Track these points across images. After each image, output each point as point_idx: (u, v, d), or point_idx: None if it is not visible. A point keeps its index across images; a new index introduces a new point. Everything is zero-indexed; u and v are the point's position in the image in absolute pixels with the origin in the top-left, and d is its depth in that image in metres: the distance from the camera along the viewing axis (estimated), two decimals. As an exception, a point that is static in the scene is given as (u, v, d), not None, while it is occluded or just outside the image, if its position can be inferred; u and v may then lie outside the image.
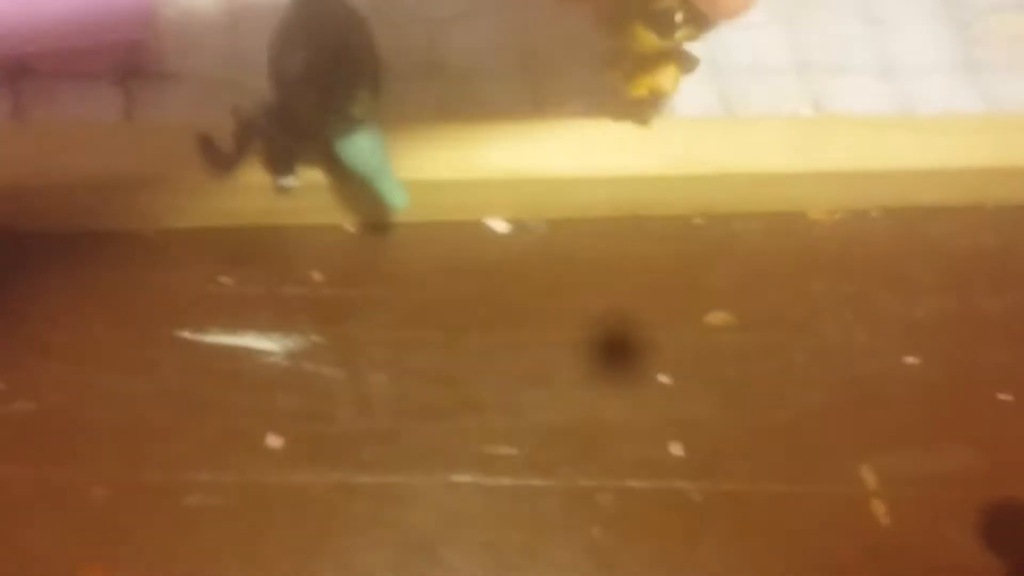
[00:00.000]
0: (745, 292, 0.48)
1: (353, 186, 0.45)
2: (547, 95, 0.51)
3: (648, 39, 0.43)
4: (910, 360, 0.46)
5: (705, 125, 0.50)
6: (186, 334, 0.44)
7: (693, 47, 0.46)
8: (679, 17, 0.43)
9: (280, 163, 0.44)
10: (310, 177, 0.45)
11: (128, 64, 0.48)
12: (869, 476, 0.43)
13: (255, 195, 0.46)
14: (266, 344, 0.44)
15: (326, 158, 0.44)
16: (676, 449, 0.43)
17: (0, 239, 0.44)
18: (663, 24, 0.43)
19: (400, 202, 0.44)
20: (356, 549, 0.40)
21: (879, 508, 0.43)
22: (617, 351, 0.46)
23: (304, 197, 0.46)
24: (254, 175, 0.45)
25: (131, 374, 0.43)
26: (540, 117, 0.50)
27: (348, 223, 0.47)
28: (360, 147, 0.43)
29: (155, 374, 0.43)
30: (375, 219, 0.47)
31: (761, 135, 0.49)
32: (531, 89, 0.51)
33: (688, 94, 0.51)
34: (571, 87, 0.51)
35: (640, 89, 0.46)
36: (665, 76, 0.45)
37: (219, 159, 0.43)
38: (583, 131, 0.49)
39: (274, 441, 0.42)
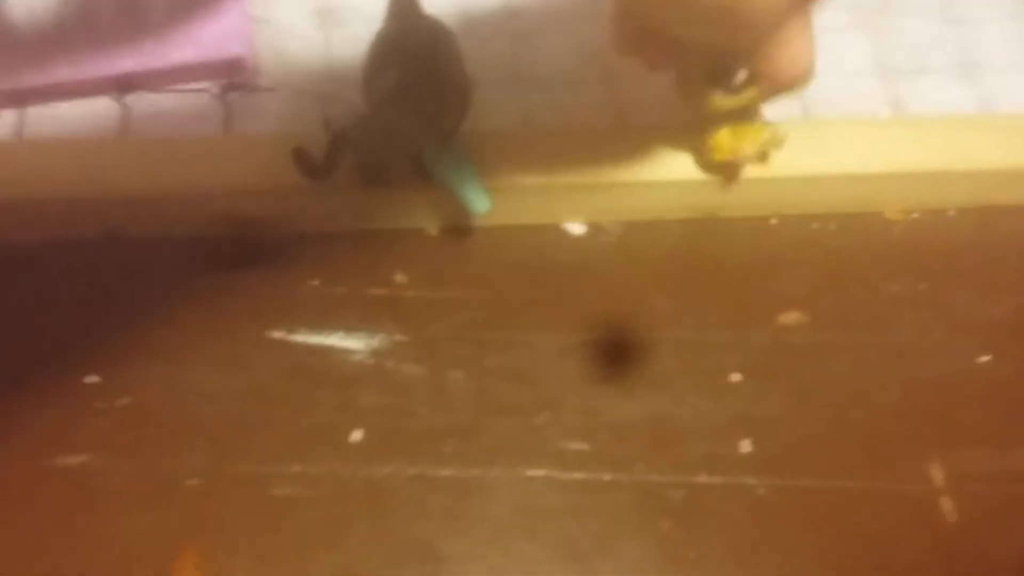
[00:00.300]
0: (820, 291, 0.48)
1: (439, 192, 0.47)
2: (627, 103, 0.52)
3: (717, 100, 0.44)
4: (984, 359, 0.47)
5: (783, 127, 0.50)
6: (276, 334, 0.46)
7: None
8: (742, 75, 0.43)
9: (370, 173, 0.46)
10: (394, 183, 0.47)
11: (228, 79, 0.51)
12: (938, 474, 0.44)
13: (343, 202, 0.48)
14: (351, 343, 0.46)
15: (414, 167, 0.46)
16: (746, 446, 0.44)
17: (103, 244, 0.48)
18: (725, 80, 0.44)
19: (483, 208, 0.46)
20: (437, 539, 0.42)
21: (947, 505, 0.43)
22: (689, 349, 0.47)
23: (388, 202, 0.48)
24: (342, 183, 0.47)
25: (224, 371, 0.45)
26: (620, 124, 0.51)
27: (430, 227, 0.49)
28: (449, 158, 0.45)
29: (246, 371, 0.45)
30: (456, 223, 0.49)
31: (838, 136, 0.50)
32: (611, 97, 0.52)
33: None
34: (650, 95, 0.52)
35: (722, 154, 0.46)
36: (745, 141, 0.46)
37: (313, 169, 0.46)
38: (661, 136, 0.50)
39: (358, 435, 0.44)
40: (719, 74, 0.44)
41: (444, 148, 0.45)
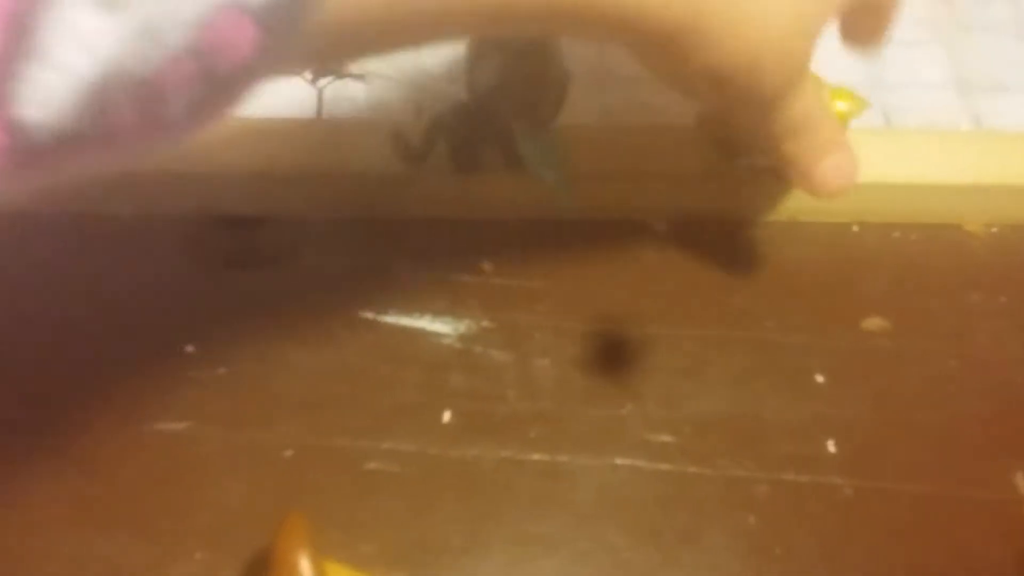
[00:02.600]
0: (901, 299, 0.49)
1: (527, 183, 0.47)
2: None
3: None
4: (1064, 373, 0.47)
5: (866, 135, 0.51)
6: (368, 315, 0.47)
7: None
8: None
9: (464, 159, 0.47)
10: (486, 171, 0.48)
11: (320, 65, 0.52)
12: (1022, 482, 0.44)
13: (433, 189, 0.49)
14: (440, 327, 0.47)
15: (507, 156, 0.47)
16: (830, 446, 0.45)
17: (200, 220, 0.48)
18: None
19: (573, 201, 0.46)
20: (524, 522, 0.42)
21: (1031, 514, 0.43)
22: (772, 349, 0.47)
23: (477, 192, 0.49)
24: (434, 171, 0.48)
25: (316, 348, 0.46)
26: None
27: (517, 217, 0.50)
28: (543, 149, 0.45)
29: (338, 350, 0.46)
30: (542, 215, 0.50)
31: (921, 147, 0.50)
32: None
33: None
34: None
35: None
36: None
37: (408, 153, 0.46)
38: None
39: (447, 417, 0.44)
40: None
41: (538, 139, 0.46)
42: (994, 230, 0.51)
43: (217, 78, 0.24)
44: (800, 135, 0.41)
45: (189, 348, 0.45)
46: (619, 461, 0.44)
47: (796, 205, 0.50)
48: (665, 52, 0.36)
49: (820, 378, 0.46)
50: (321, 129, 0.50)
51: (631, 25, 0.34)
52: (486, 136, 0.46)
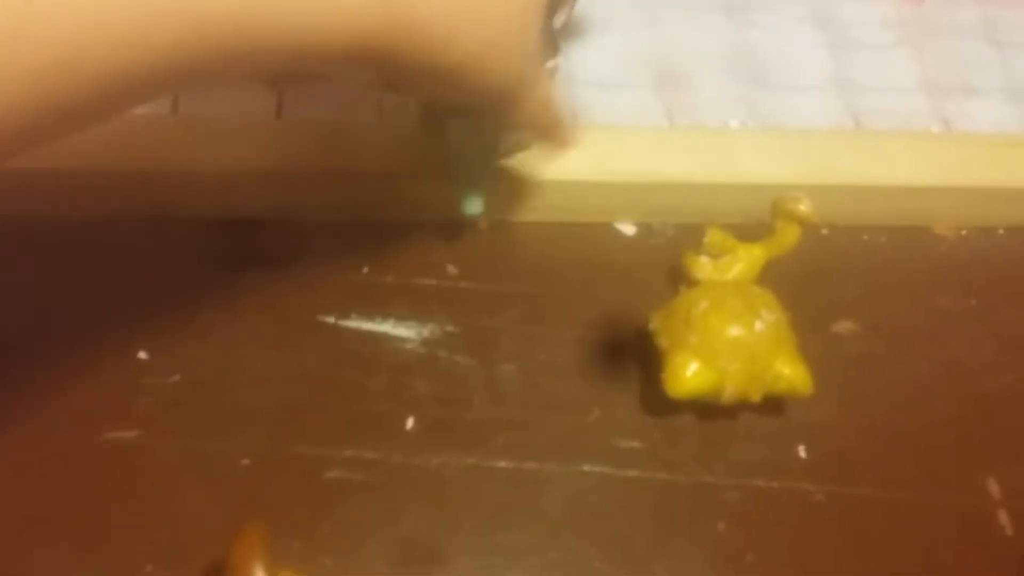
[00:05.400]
0: (872, 302, 0.48)
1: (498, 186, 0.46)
2: (679, 107, 0.52)
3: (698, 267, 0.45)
4: (1035, 376, 0.47)
5: (836, 137, 0.51)
6: (329, 319, 0.45)
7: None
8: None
9: (429, 120, 0.46)
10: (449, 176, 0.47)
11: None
12: (994, 488, 0.43)
13: (396, 189, 0.48)
14: (403, 331, 0.46)
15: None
16: (801, 451, 0.44)
17: (154, 222, 0.47)
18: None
19: (472, 210, 0.45)
20: (490, 530, 0.41)
21: (1004, 519, 0.43)
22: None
23: (441, 193, 0.48)
24: (396, 169, 0.47)
25: (274, 353, 0.44)
26: (672, 126, 0.51)
27: (482, 220, 0.49)
28: (469, 135, 0.44)
29: (299, 355, 0.44)
30: (507, 217, 0.49)
31: (891, 149, 0.50)
32: (664, 101, 0.52)
33: (820, 109, 0.52)
34: (703, 99, 0.52)
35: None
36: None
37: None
38: (713, 139, 0.50)
39: (411, 423, 0.43)
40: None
41: (471, 125, 0.44)
42: (964, 232, 0.51)
43: None
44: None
45: (142, 354, 0.44)
46: (587, 468, 0.43)
47: (764, 207, 0.49)
48: (396, 59, 0.33)
49: (790, 382, 0.45)
50: (279, 129, 0.48)
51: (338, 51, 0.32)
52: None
